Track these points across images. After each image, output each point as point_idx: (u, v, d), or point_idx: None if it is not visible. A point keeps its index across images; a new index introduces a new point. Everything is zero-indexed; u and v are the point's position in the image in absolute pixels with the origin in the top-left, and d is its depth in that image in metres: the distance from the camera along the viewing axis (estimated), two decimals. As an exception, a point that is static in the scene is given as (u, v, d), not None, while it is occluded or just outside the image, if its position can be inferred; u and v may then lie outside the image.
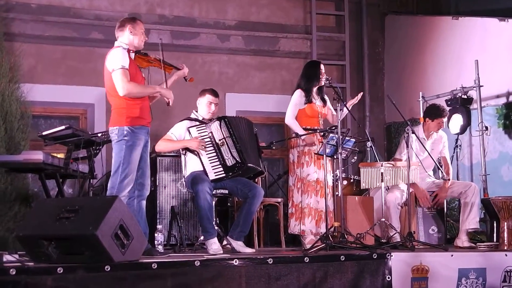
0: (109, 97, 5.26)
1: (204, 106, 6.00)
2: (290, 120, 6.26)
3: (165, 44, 7.40)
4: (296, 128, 6.20)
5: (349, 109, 6.16)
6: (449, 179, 6.56)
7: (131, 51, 5.25)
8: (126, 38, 5.24)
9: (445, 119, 6.63)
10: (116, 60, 5.09)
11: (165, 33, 8.37)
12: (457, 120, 7.66)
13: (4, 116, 6.87)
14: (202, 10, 8.78)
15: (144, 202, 5.34)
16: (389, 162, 6.42)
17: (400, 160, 6.50)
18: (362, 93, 6.54)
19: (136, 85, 5.13)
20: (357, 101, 6.32)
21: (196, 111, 6.06)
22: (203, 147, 5.77)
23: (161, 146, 5.89)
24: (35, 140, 6.95)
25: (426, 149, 6.36)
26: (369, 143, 7.64)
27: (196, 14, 8.75)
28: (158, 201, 6.63)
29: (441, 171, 6.46)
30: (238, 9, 8.94)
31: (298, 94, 6.25)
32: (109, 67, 5.13)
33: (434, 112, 6.64)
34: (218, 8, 8.84)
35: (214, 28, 8.77)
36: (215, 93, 6.04)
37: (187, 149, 5.92)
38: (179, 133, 5.92)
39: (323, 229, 5.92)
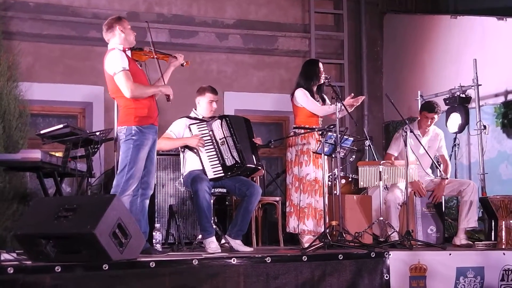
0: (115, 98, 5.31)
1: (205, 104, 5.99)
2: (321, 110, 6.23)
3: (164, 43, 7.44)
4: (331, 108, 6.18)
5: (349, 111, 6.11)
6: (447, 178, 6.57)
7: (127, 49, 5.26)
8: (118, 38, 5.24)
9: (431, 115, 6.58)
10: (116, 63, 5.09)
11: (164, 32, 8.37)
12: (455, 119, 7.66)
13: (2, 114, 6.86)
14: (201, 9, 8.77)
15: (147, 202, 5.35)
16: (387, 161, 6.42)
17: (392, 155, 6.51)
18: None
19: (140, 86, 5.15)
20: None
21: (195, 110, 6.06)
22: (202, 144, 5.78)
23: (161, 144, 5.87)
24: (33, 139, 6.94)
25: (422, 145, 6.35)
26: (367, 142, 7.67)
27: (195, 12, 8.75)
28: (156, 200, 6.62)
29: (439, 170, 6.46)
30: (236, 8, 8.94)
31: (303, 92, 6.23)
32: (110, 71, 5.13)
33: (422, 106, 6.78)
34: (217, 6, 8.84)
35: (213, 26, 8.76)
36: (214, 91, 6.04)
37: (186, 147, 5.92)
38: (178, 130, 5.93)
39: (323, 228, 5.92)
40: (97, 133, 6.13)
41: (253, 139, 5.99)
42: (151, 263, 4.45)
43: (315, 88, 6.33)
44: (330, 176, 6.51)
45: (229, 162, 5.77)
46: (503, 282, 5.42)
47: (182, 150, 5.97)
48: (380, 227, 6.36)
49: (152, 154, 5.32)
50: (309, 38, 9.12)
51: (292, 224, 6.20)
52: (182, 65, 5.65)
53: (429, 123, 6.59)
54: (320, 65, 6.35)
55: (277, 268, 4.79)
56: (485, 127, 7.48)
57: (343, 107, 5.95)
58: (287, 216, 6.27)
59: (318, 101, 6.29)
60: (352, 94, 6.32)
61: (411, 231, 5.91)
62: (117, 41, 5.24)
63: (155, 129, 5.30)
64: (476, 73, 7.52)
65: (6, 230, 6.14)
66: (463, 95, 7.67)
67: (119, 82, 5.08)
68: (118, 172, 5.16)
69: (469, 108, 7.69)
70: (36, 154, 5.68)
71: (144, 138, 5.16)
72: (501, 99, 7.70)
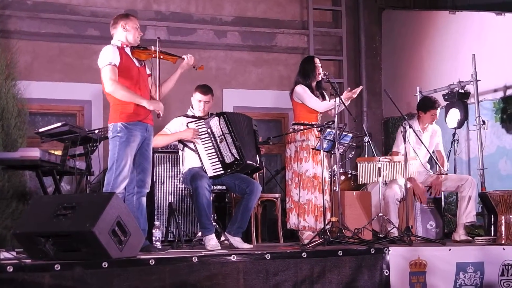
0: (106, 95, 5.27)
1: (195, 103, 5.99)
2: (321, 106, 6.24)
3: (162, 41, 7.40)
4: (330, 104, 6.19)
5: (346, 105, 6.11)
6: (446, 173, 6.57)
7: (126, 46, 5.25)
8: (120, 34, 5.26)
9: (437, 111, 6.61)
10: (104, 58, 5.13)
11: (162, 29, 8.35)
12: (454, 115, 7.65)
13: (1, 113, 6.86)
14: (199, 6, 8.76)
15: (144, 199, 5.33)
16: (386, 156, 6.42)
17: (399, 153, 6.51)
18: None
19: (123, 88, 5.09)
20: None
21: (192, 108, 6.05)
22: (197, 135, 5.76)
23: (157, 140, 5.85)
24: (32, 137, 6.93)
25: (422, 142, 6.36)
26: (366, 138, 7.67)
27: (193, 10, 8.74)
28: (155, 198, 6.63)
29: (438, 165, 6.46)
30: (234, 5, 8.93)
31: (303, 88, 6.23)
32: (99, 65, 5.17)
33: (426, 104, 6.68)
34: (215, 4, 8.83)
35: (211, 24, 8.75)
36: (204, 91, 5.97)
37: (184, 145, 5.91)
38: (174, 128, 5.93)
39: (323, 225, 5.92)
40: (96, 131, 6.12)
41: (256, 139, 5.98)
42: (150, 261, 4.45)
43: (314, 85, 6.33)
44: (330, 173, 6.51)
45: (228, 159, 5.76)
46: (503, 277, 5.42)
47: (181, 148, 5.96)
48: (380, 223, 6.37)
49: (146, 152, 5.30)
50: (308, 34, 9.11)
51: (293, 220, 6.21)
52: (194, 68, 5.56)
53: (434, 118, 6.61)
54: (316, 61, 6.35)
55: (276, 264, 4.79)
56: (484, 122, 7.48)
57: (341, 101, 5.95)
58: (288, 212, 6.28)
59: (318, 97, 6.29)
60: (349, 88, 6.33)
61: (410, 226, 5.91)
62: (118, 36, 5.26)
63: (145, 126, 5.23)
64: (475, 68, 7.52)
65: (5, 229, 6.14)
66: (462, 91, 7.66)
67: (103, 76, 5.12)
68: (108, 170, 5.15)
69: (468, 103, 7.69)
70: (35, 153, 5.67)
71: (131, 135, 5.13)
72: (500, 94, 7.70)
